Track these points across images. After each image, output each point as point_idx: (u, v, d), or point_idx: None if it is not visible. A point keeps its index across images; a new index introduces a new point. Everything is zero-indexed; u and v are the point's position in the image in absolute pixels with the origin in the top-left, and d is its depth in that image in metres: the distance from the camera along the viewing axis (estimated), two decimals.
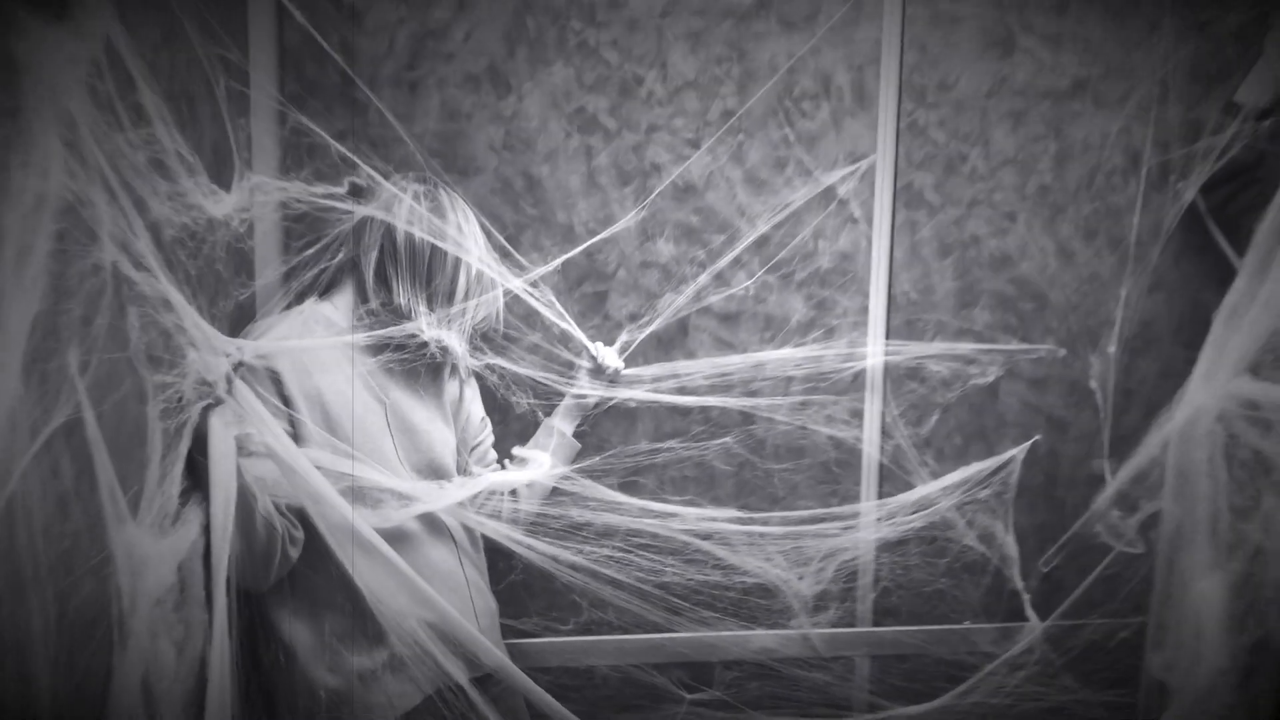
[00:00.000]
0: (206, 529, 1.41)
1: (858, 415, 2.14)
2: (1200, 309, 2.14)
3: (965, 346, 2.15)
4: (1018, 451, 2.15)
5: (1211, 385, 1.64)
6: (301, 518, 1.60)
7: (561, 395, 2.01)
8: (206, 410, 1.42)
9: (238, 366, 1.51)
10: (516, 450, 2.00)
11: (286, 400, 1.62)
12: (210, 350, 1.40)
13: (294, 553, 1.62)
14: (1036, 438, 2.17)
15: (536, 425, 2.02)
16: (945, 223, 2.13)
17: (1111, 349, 2.17)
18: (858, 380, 2.13)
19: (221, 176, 1.52)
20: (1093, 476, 2.18)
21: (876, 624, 2.20)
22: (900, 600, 2.20)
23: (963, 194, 2.13)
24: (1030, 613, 2.17)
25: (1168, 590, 1.77)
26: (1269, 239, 1.75)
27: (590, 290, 2.06)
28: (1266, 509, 1.50)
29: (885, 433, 2.15)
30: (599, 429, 2.08)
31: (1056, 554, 2.19)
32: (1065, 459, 2.22)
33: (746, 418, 2.11)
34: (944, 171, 2.11)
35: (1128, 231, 2.14)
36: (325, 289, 1.80)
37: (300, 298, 1.80)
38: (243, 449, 1.47)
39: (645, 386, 2.04)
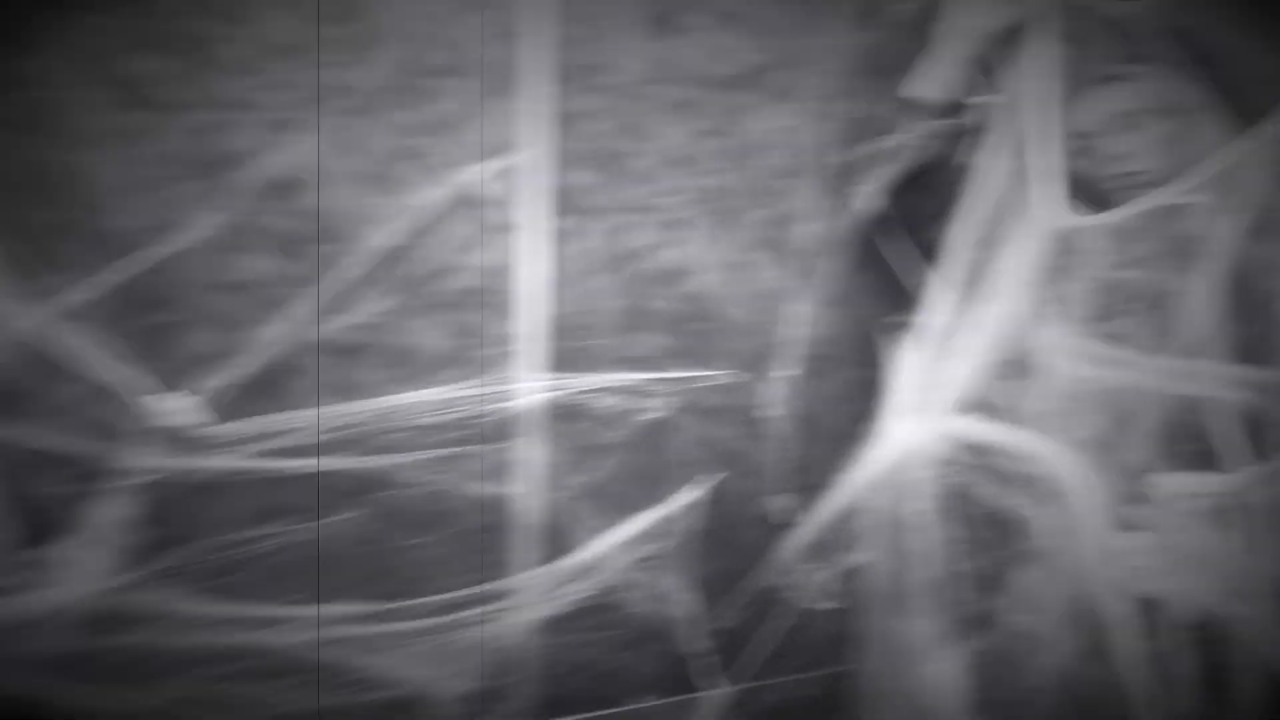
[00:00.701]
0: None
1: (511, 467, 1.85)
2: (884, 327, 2.04)
3: (633, 376, 1.94)
4: (696, 494, 1.98)
5: (923, 423, 1.51)
6: None
7: (110, 473, 1.55)
8: None
9: None
10: (43, 555, 1.51)
11: None
12: None
13: None
14: (716, 476, 2.00)
15: (71, 519, 1.54)
16: (607, 231, 1.90)
17: (790, 372, 2.04)
18: (510, 425, 1.85)
19: None
20: (776, 519, 2.04)
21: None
22: (573, 687, 1.93)
23: (627, 197, 1.90)
24: (712, 679, 1.99)
25: (882, 659, 1.64)
26: (967, 250, 1.68)
27: (151, 322, 1.61)
28: (1018, 582, 1.37)
29: (544, 486, 1.88)
30: (171, 514, 1.62)
31: (740, 610, 2.03)
32: (748, 499, 2.04)
33: (374, 482, 1.75)
34: (605, 171, 1.88)
35: (806, 240, 2.02)
36: None
37: None
38: None
39: (237, 451, 1.64)
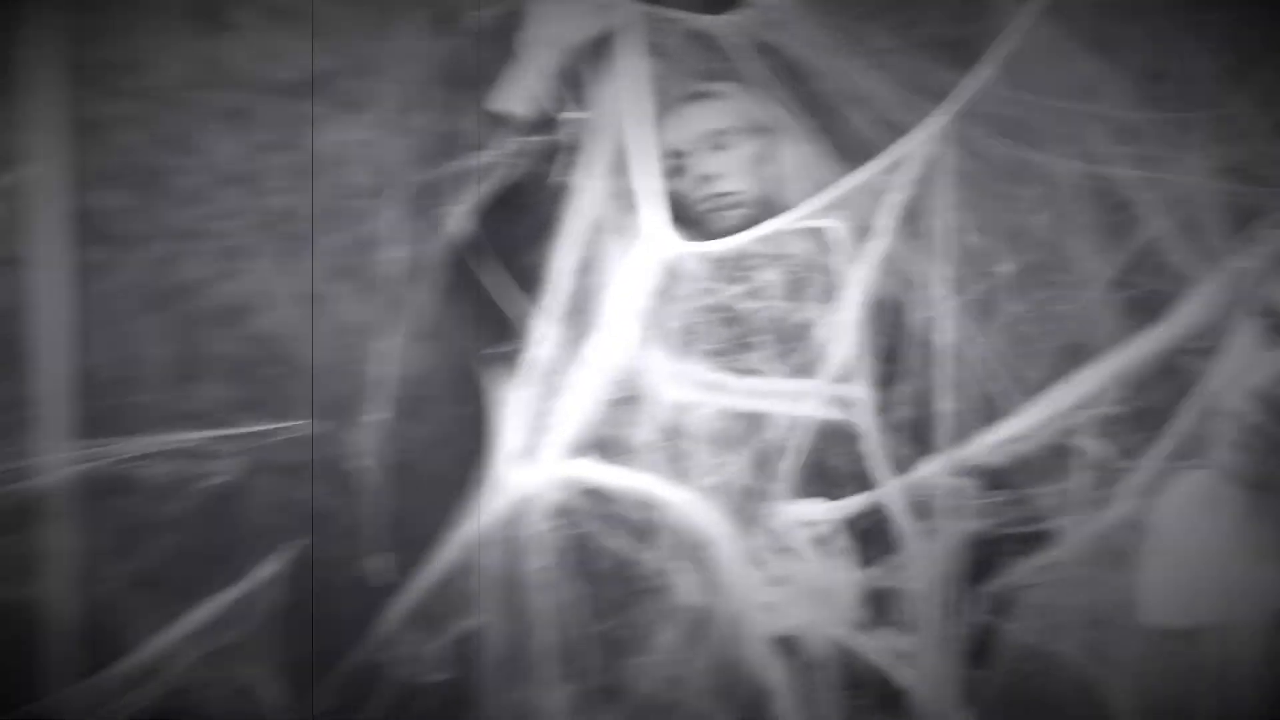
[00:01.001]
0: None
1: (35, 563, 1.57)
2: (485, 361, 1.89)
3: (191, 435, 1.71)
4: (276, 567, 1.76)
5: (537, 467, 1.41)
6: None
7: None
8: None
9: None
10: None
11: None
12: None
13: None
14: (300, 543, 1.78)
15: None
16: (149, 263, 1.67)
17: (380, 416, 1.88)
18: (30, 509, 1.56)
19: None
20: (375, 583, 1.85)
21: None
22: None
23: (172, 222, 1.69)
24: None
25: None
26: (568, 277, 1.61)
27: None
28: (661, 643, 1.28)
29: (81, 581, 1.60)
30: None
31: (337, 692, 1.82)
32: (340, 566, 1.85)
33: None
34: (142, 190, 1.66)
35: (389, 267, 1.86)
36: None
37: None
38: None
39: None
